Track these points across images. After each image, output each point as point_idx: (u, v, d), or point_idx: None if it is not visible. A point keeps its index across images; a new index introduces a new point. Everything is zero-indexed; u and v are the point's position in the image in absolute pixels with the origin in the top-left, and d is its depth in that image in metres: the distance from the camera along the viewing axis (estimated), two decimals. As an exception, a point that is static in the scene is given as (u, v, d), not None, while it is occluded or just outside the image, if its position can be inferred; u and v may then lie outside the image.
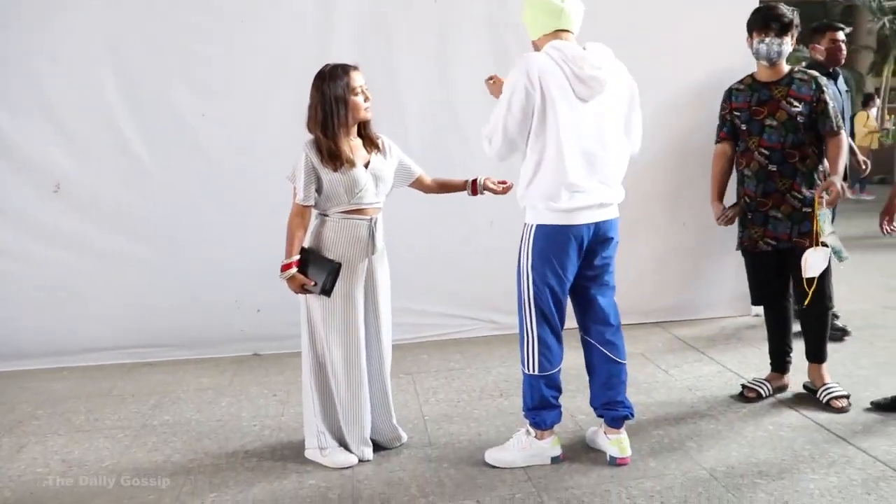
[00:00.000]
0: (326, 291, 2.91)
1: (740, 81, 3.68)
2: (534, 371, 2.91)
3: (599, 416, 3.07)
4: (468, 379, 4.06)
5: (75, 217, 4.35)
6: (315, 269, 2.93)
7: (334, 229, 2.97)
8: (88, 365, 4.44)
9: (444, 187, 3.31)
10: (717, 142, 3.78)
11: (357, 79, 2.94)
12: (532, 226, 2.86)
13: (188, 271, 4.42)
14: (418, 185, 3.28)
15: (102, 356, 4.48)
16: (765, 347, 3.79)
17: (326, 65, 2.96)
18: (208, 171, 4.37)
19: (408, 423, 3.42)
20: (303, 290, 2.95)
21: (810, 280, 3.38)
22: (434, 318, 4.71)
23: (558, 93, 2.72)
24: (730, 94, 3.70)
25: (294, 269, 2.92)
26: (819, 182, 3.45)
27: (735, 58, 4.71)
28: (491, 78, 3.07)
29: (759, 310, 4.03)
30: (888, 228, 3.40)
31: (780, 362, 3.71)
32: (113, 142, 4.31)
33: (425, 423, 3.45)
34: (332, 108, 2.89)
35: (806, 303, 3.46)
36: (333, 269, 2.91)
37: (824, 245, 3.34)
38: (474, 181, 3.22)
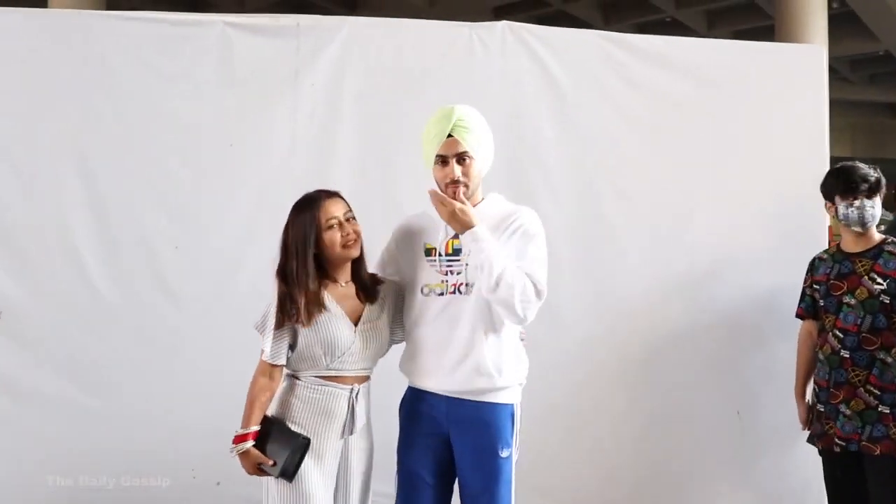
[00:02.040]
0: (287, 475, 2.26)
1: (825, 250, 3.39)
2: None
3: None
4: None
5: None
6: (276, 445, 2.29)
7: (304, 397, 2.37)
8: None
9: None
10: (797, 316, 3.42)
11: (333, 209, 2.35)
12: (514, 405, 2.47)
13: (139, 433, 3.69)
14: None
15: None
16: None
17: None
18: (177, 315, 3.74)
19: None
20: (259, 470, 2.31)
21: None
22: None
23: None
24: (812, 264, 3.38)
25: (250, 443, 2.31)
26: None
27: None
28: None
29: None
30: None
31: None
32: (74, 274, 3.73)
33: None
34: (295, 247, 2.36)
35: None
36: (299, 447, 2.28)
37: None
38: None
